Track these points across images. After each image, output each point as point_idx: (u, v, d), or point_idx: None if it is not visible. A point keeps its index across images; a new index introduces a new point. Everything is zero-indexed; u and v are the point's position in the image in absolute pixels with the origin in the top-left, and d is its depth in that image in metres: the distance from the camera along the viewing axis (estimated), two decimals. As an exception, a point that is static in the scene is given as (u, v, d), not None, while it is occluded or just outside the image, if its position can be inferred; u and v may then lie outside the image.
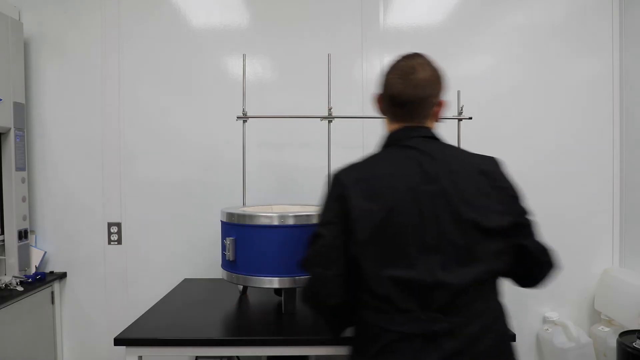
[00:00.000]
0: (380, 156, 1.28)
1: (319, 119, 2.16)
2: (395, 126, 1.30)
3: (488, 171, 1.22)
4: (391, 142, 1.30)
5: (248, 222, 1.75)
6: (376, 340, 1.18)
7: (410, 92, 1.24)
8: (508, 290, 1.58)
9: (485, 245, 1.16)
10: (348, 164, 1.29)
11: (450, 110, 2.24)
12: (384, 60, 2.50)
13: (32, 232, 2.50)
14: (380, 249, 1.16)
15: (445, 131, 2.29)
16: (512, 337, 1.43)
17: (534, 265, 1.26)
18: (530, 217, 1.25)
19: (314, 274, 1.25)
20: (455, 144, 2.25)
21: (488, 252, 1.16)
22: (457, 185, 1.17)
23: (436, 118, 1.32)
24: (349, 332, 1.30)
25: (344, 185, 1.22)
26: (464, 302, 1.15)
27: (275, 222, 1.72)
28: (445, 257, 1.14)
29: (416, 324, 1.14)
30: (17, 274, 2.31)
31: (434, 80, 1.27)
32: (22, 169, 2.39)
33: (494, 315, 1.21)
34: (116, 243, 2.52)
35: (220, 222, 1.89)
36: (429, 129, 1.29)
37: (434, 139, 1.28)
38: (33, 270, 2.43)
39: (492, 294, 1.22)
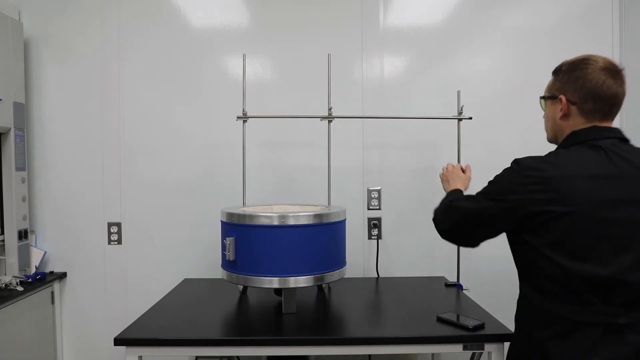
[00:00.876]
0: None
1: (319, 119, 2.16)
2: (586, 125, 1.31)
3: None
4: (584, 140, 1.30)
5: (248, 222, 1.75)
6: (550, 325, 1.22)
7: (622, 91, 1.31)
8: (513, 289, 1.57)
9: None
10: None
11: (450, 111, 2.26)
12: (384, 60, 2.51)
13: (32, 232, 2.50)
14: (573, 244, 1.20)
15: (445, 131, 2.32)
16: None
17: None
18: None
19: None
20: (455, 144, 2.25)
21: None
22: None
23: None
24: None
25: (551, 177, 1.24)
26: None
27: (275, 222, 1.72)
28: (636, 256, 1.18)
29: (597, 316, 1.18)
30: (17, 274, 2.31)
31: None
32: (22, 169, 2.39)
33: None
34: (116, 243, 2.52)
35: (220, 222, 1.90)
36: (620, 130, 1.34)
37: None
38: (33, 270, 2.43)
39: None
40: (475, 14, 2.51)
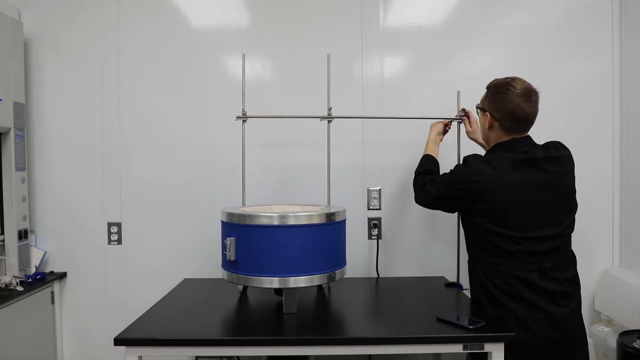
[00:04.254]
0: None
1: (319, 119, 2.16)
2: (506, 138, 1.73)
3: None
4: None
5: (248, 222, 1.75)
6: (499, 275, 1.74)
7: (533, 112, 1.71)
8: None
9: None
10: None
11: (450, 111, 2.26)
12: (384, 60, 2.51)
13: (32, 232, 2.50)
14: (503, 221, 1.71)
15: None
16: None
17: None
18: None
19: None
20: (455, 144, 2.25)
21: None
22: None
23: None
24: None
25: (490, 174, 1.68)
26: None
27: (276, 222, 1.72)
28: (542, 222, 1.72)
29: (530, 264, 1.69)
30: (17, 274, 2.31)
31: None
32: (22, 169, 2.39)
33: None
34: (116, 243, 2.52)
35: (220, 222, 1.89)
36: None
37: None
38: (33, 270, 2.43)
39: None
40: (475, 14, 2.51)
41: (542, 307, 1.64)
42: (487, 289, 1.73)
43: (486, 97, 1.77)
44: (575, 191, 1.76)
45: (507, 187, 1.65)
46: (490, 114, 1.73)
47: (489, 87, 1.78)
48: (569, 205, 1.74)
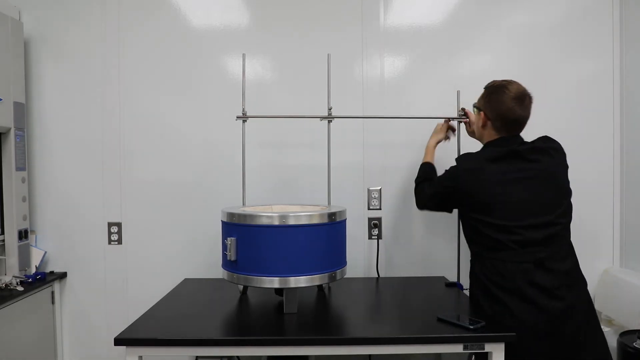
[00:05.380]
0: None
1: (319, 118, 2.16)
2: (497, 136, 1.82)
3: None
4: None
5: (249, 222, 1.75)
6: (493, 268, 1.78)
7: (525, 115, 1.80)
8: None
9: None
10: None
11: (450, 111, 2.26)
12: (384, 60, 2.51)
13: (32, 232, 2.50)
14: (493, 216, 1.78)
15: (446, 131, 2.31)
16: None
17: None
18: None
19: None
20: (455, 144, 2.25)
21: None
22: None
23: None
24: None
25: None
26: None
27: (276, 222, 1.72)
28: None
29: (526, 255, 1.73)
30: (17, 274, 2.31)
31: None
32: (22, 169, 2.39)
33: None
34: (116, 243, 2.52)
35: (220, 222, 1.89)
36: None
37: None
38: (33, 270, 2.43)
39: None
40: (475, 14, 2.51)
41: (536, 300, 1.64)
42: (483, 285, 1.74)
43: (482, 97, 1.87)
44: (567, 179, 1.79)
45: (489, 176, 1.72)
46: (484, 113, 1.82)
47: (486, 88, 1.86)
48: (560, 192, 1.75)
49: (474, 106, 1.94)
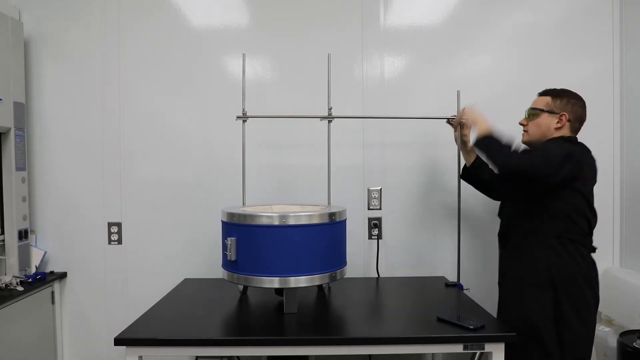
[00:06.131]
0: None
1: (319, 119, 2.16)
2: (570, 135, 1.93)
3: None
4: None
5: (249, 222, 1.75)
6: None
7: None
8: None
9: None
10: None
11: (450, 110, 2.26)
12: (384, 60, 2.51)
13: (32, 232, 2.50)
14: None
15: (446, 131, 2.31)
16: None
17: None
18: None
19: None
20: (454, 143, 2.25)
21: None
22: None
23: None
24: None
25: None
26: None
27: (276, 222, 1.72)
28: None
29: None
30: (17, 274, 2.31)
31: None
32: (22, 169, 2.39)
33: None
34: (116, 243, 2.52)
35: (220, 222, 1.89)
36: None
37: None
38: (33, 270, 2.43)
39: None
40: (475, 14, 2.51)
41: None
42: (569, 274, 1.80)
43: (555, 101, 1.90)
44: None
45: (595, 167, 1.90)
46: (567, 115, 1.90)
47: (558, 95, 1.91)
48: None
49: (541, 110, 1.89)
